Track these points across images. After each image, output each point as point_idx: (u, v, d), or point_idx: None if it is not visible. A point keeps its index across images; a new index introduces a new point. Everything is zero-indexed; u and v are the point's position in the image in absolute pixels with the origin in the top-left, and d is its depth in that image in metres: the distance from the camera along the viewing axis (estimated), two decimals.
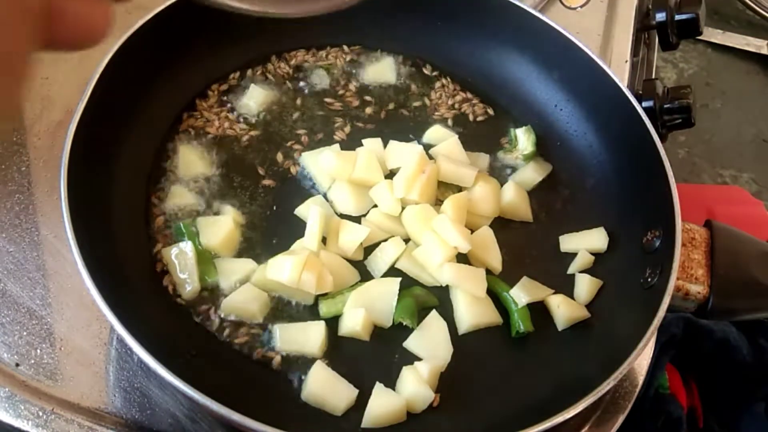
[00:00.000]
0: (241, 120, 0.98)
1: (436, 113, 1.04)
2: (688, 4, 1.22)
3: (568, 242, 0.94)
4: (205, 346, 0.80)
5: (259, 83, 1.02)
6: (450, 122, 1.04)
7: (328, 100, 1.03)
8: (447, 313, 0.86)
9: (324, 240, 0.88)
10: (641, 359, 0.90)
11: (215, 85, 1.01)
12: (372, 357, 0.82)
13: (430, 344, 0.82)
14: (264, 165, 0.95)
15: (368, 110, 1.03)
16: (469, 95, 1.07)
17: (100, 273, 0.70)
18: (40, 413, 0.77)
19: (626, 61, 1.20)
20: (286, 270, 0.80)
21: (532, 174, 0.99)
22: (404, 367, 0.80)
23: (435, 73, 1.08)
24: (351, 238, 0.87)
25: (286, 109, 1.01)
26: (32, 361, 0.80)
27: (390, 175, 0.93)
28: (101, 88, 0.83)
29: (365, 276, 0.87)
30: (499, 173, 1.00)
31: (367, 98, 1.04)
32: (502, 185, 0.97)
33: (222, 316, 0.82)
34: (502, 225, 0.95)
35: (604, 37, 1.24)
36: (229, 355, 0.80)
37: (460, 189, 0.95)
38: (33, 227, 0.90)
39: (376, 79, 1.06)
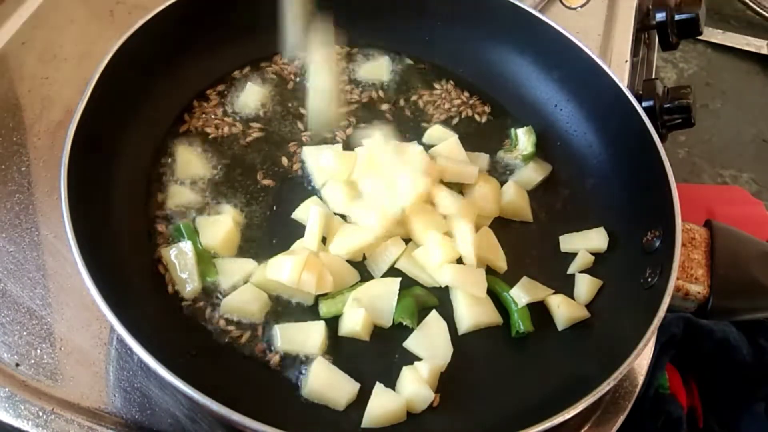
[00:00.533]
0: (241, 120, 0.98)
1: (436, 113, 1.04)
2: (688, 5, 1.22)
3: (568, 242, 0.94)
4: (205, 346, 0.80)
5: (258, 83, 1.02)
6: (450, 122, 1.04)
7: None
8: (447, 313, 0.86)
9: (324, 240, 0.88)
10: (641, 359, 0.90)
11: (215, 85, 1.01)
12: (372, 357, 0.82)
13: (430, 344, 0.82)
14: (264, 165, 0.95)
15: (368, 110, 1.03)
16: (469, 95, 1.07)
17: (100, 273, 0.70)
18: (40, 413, 0.77)
19: (626, 61, 1.20)
20: (286, 270, 0.80)
21: (532, 174, 0.99)
22: (404, 367, 0.80)
23: (435, 74, 1.08)
24: (351, 240, 0.87)
25: (286, 110, 1.01)
26: (32, 361, 0.80)
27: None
28: (101, 88, 0.83)
29: (365, 276, 0.87)
30: (499, 173, 1.00)
31: (368, 98, 1.04)
32: (502, 185, 0.97)
33: (222, 315, 0.82)
34: (502, 225, 0.95)
35: (604, 37, 1.24)
36: (229, 355, 0.80)
37: (460, 189, 0.95)
38: (33, 227, 0.90)
39: (376, 79, 1.06)
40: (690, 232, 0.88)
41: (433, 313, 0.85)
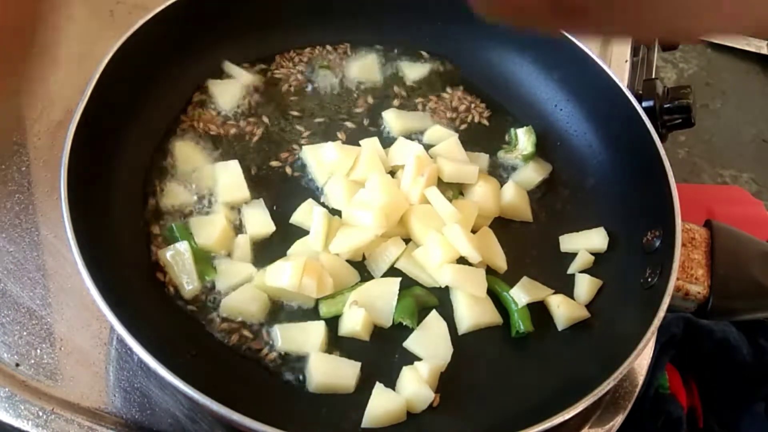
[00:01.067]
0: (241, 120, 0.98)
1: (437, 113, 1.04)
2: None
3: (568, 242, 0.94)
4: (205, 346, 0.80)
5: (259, 83, 1.02)
6: (450, 122, 1.04)
7: (328, 100, 1.03)
8: (447, 313, 0.86)
9: None
10: (641, 359, 0.90)
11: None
12: (372, 357, 0.82)
13: (430, 344, 0.82)
14: (264, 165, 0.95)
15: (368, 111, 1.03)
16: (470, 95, 1.07)
17: (100, 273, 0.70)
18: (40, 413, 0.77)
19: (626, 61, 1.20)
20: (286, 275, 0.80)
21: (532, 174, 0.99)
22: (404, 367, 0.80)
23: (435, 74, 1.08)
24: (351, 239, 0.87)
25: (287, 109, 1.01)
26: (32, 361, 0.80)
27: (391, 174, 0.93)
28: (101, 88, 0.83)
29: (365, 276, 0.87)
30: (499, 173, 1.00)
31: (368, 98, 1.04)
32: (502, 185, 0.97)
33: (222, 316, 0.82)
34: (502, 225, 0.95)
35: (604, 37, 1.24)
36: (229, 355, 0.80)
37: (460, 189, 0.95)
38: (33, 227, 0.90)
39: (374, 79, 1.06)
40: (690, 232, 0.88)
41: (433, 313, 0.85)
